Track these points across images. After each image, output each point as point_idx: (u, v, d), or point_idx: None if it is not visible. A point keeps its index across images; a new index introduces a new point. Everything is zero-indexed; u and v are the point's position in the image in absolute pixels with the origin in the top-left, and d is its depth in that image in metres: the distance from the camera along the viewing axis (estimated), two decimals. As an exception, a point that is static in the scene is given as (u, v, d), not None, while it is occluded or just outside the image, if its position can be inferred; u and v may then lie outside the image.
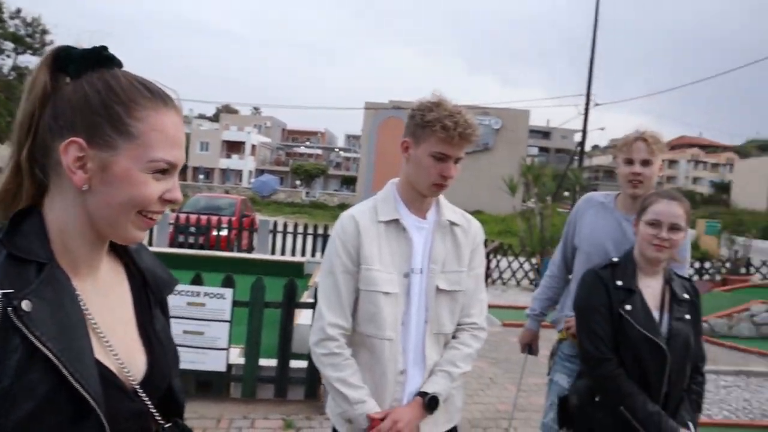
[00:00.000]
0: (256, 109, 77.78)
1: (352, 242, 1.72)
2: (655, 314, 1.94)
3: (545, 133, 74.28)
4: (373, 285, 1.69)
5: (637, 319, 1.89)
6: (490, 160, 29.42)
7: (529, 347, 2.96)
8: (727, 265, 12.92)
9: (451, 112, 1.66)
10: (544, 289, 2.83)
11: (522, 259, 11.77)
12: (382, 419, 1.63)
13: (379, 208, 1.78)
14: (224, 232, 11.57)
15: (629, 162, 2.37)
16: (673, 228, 1.94)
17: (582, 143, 24.73)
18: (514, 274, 11.60)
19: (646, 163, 2.34)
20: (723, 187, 66.48)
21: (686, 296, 2.02)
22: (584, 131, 24.47)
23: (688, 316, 1.97)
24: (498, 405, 4.69)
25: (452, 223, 1.82)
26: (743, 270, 12.94)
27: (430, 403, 1.67)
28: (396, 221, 1.76)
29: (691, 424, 1.90)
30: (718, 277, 12.08)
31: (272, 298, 4.40)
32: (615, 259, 2.05)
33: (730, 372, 6.06)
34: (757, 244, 15.28)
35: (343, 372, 1.66)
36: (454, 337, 1.82)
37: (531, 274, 11.54)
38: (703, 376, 2.05)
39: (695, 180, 76.41)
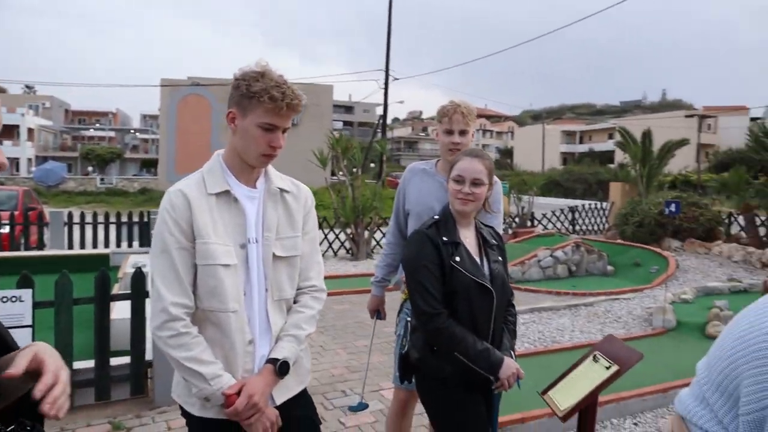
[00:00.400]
0: (29, 87, 68.05)
1: (183, 217, 1.66)
2: (478, 261, 2.14)
3: (348, 108, 76.17)
4: (211, 258, 1.65)
5: (466, 267, 2.06)
6: (297, 135, 29.36)
7: (378, 312, 3.09)
8: (516, 220, 14.61)
9: (277, 83, 1.67)
10: (383, 257, 3.00)
11: (337, 230, 12.09)
12: (237, 393, 1.62)
13: (207, 180, 1.73)
14: (6, 229, 10.14)
15: (449, 132, 2.63)
16: (475, 183, 2.14)
17: (384, 116, 25.88)
18: (330, 245, 11.89)
19: (463, 133, 2.62)
20: (507, 153, 74.41)
21: (494, 241, 2.27)
22: (385, 105, 25.62)
23: (500, 258, 2.23)
24: (332, 370, 4.84)
25: (282, 191, 1.84)
26: (529, 223, 14.74)
27: (281, 369, 1.69)
28: (227, 192, 1.73)
29: (512, 351, 2.16)
30: (510, 231, 13.60)
31: (79, 295, 4.01)
32: (436, 217, 2.19)
33: (527, 310, 6.93)
34: (538, 201, 17.44)
35: (193, 351, 1.61)
36: (295, 301, 1.85)
37: (347, 244, 11.92)
38: (514, 307, 2.32)
39: (484, 147, 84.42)
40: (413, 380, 2.29)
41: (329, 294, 7.51)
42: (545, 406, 3.67)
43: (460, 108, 2.61)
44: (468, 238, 2.18)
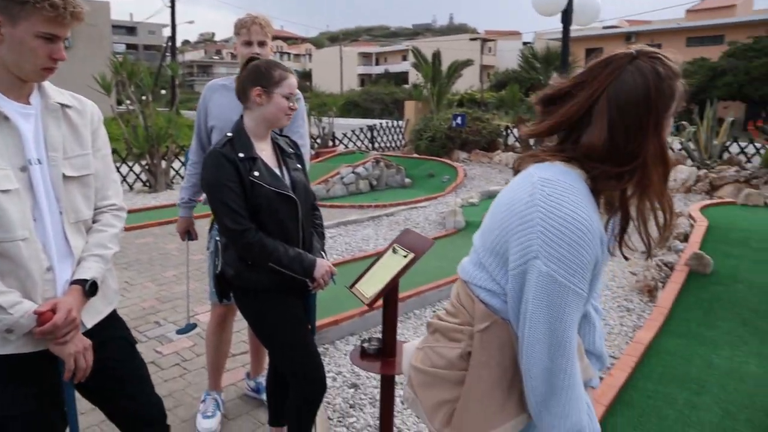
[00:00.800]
0: None
1: None
2: (277, 172, 2.18)
3: (130, 29, 68.90)
4: None
5: (266, 180, 2.09)
6: (72, 60, 25.96)
7: (189, 234, 3.03)
8: (318, 141, 14.82)
9: None
10: (188, 177, 2.94)
11: (131, 162, 11.23)
12: (51, 311, 1.52)
13: None
14: None
15: (248, 44, 2.65)
16: (297, 98, 2.23)
17: (172, 37, 23.96)
18: (125, 178, 11.03)
19: (262, 44, 2.66)
20: (306, 75, 73.80)
21: (291, 150, 2.34)
22: (173, 25, 23.69)
23: (299, 166, 2.30)
24: (141, 304, 4.67)
25: (63, 106, 1.69)
26: (330, 143, 15.08)
27: (90, 289, 1.62)
28: None
29: (323, 252, 2.30)
30: (312, 152, 13.78)
31: None
32: (229, 134, 2.15)
33: (333, 225, 7.24)
34: (338, 122, 17.82)
35: None
36: (95, 221, 1.76)
37: (144, 176, 11.16)
38: (319, 210, 2.46)
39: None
40: (231, 296, 2.33)
41: (129, 229, 7.11)
42: (355, 307, 4.01)
43: (257, 19, 2.64)
44: (265, 150, 2.20)
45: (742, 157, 11.41)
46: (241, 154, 2.08)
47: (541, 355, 1.14)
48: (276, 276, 2.12)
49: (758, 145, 11.71)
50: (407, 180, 10.78)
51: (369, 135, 17.34)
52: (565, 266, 1.11)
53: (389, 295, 2.08)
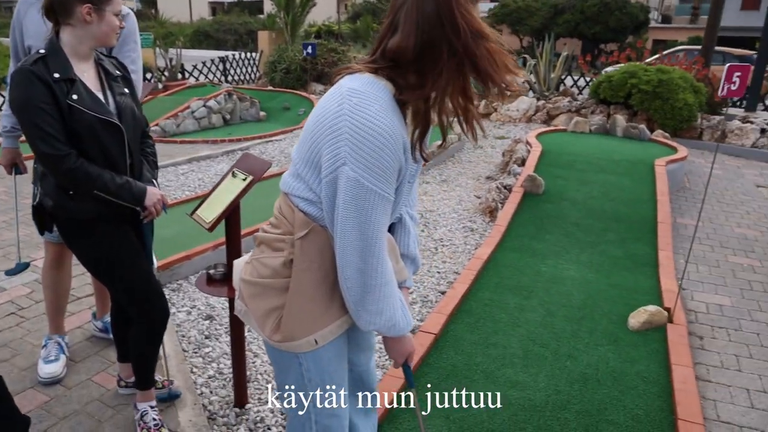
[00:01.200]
0: None
1: None
2: (100, 96, 2.02)
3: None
4: None
5: (86, 105, 1.93)
6: None
7: (16, 167, 2.74)
8: (166, 73, 13.86)
9: None
10: (8, 103, 2.63)
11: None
12: None
13: None
14: None
15: None
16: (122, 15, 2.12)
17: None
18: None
19: None
20: (150, 2, 67.57)
21: (119, 72, 2.17)
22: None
23: (126, 90, 2.14)
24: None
25: None
26: (179, 75, 14.17)
27: None
28: None
29: (154, 181, 2.21)
30: (160, 86, 12.89)
31: None
32: (42, 51, 1.95)
33: (185, 161, 6.95)
34: (189, 53, 16.71)
35: None
36: None
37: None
38: (152, 138, 2.32)
39: (121, -5, 74.79)
40: (55, 229, 2.19)
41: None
42: (208, 241, 3.95)
43: None
44: (86, 72, 2.03)
45: (575, 89, 12.46)
46: (56, 75, 1.89)
47: (353, 257, 1.23)
48: (102, 204, 2.00)
49: (588, 78, 12.83)
50: (262, 113, 10.50)
51: (221, 67, 16.52)
52: (371, 171, 1.18)
53: (231, 218, 2.09)
